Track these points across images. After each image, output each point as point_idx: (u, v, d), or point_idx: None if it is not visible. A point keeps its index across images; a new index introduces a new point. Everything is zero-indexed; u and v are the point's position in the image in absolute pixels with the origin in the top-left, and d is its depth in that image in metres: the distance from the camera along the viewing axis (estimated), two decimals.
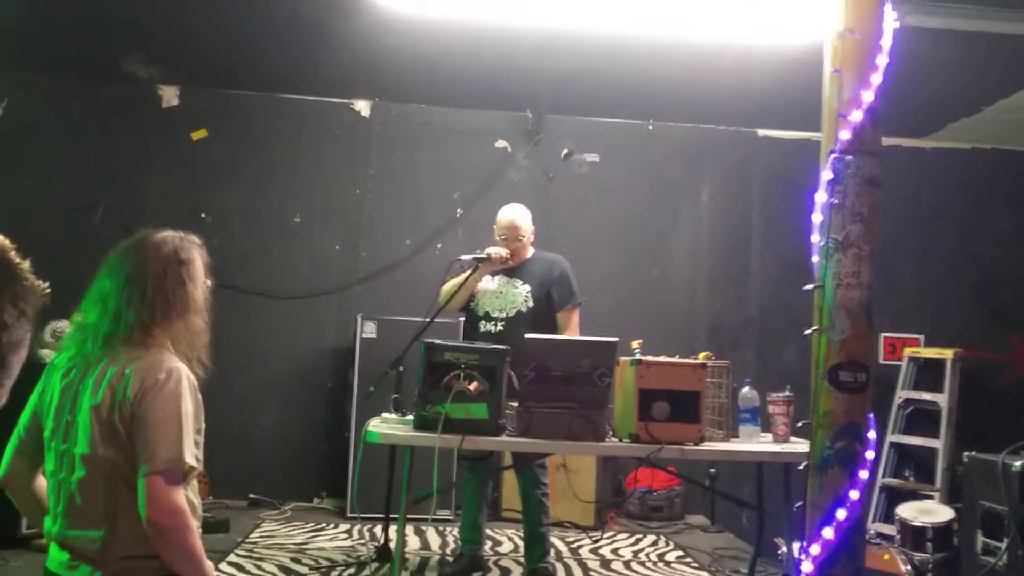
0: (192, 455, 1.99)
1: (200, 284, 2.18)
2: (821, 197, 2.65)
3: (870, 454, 2.52)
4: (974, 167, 6.73)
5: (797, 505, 2.78)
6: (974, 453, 3.93)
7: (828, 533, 2.48)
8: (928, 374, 6.22)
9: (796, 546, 3.85)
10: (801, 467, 2.65)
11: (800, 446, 3.59)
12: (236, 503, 5.75)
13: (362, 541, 5.11)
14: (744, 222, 6.67)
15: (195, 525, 2.00)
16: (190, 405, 2.02)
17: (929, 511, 4.55)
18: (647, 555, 5.11)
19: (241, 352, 5.83)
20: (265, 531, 5.24)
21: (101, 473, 1.98)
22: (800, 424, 2.75)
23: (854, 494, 2.46)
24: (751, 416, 3.76)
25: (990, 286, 6.66)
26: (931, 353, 6.25)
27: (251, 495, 5.84)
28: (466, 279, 4.31)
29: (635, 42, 5.02)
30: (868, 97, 2.60)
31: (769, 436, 3.77)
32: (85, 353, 2.08)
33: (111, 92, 6.16)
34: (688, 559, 5.07)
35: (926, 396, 6.10)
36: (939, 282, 6.64)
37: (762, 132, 6.66)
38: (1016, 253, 6.65)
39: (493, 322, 4.35)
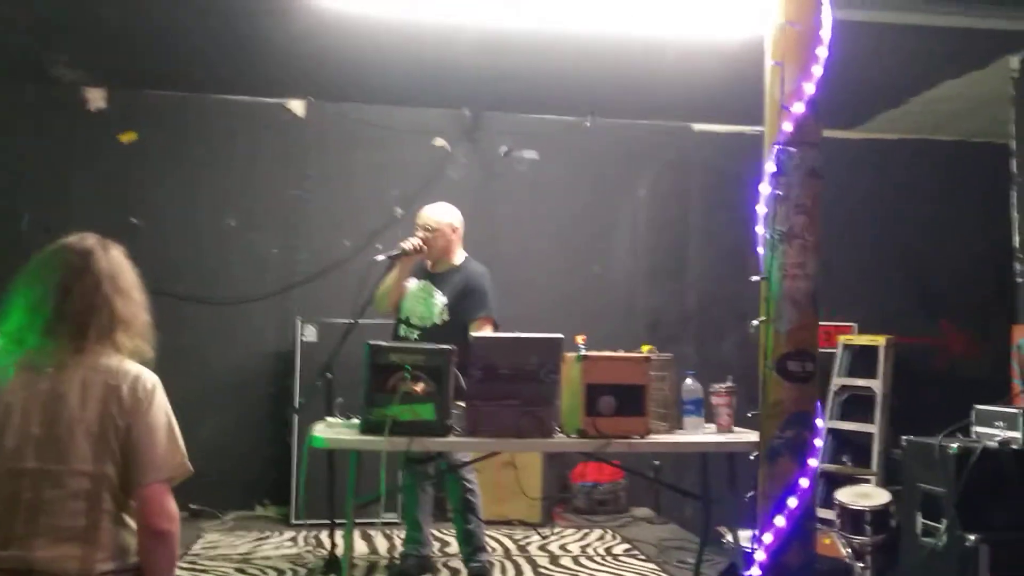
0: (187, 460, 2.09)
1: (133, 275, 2.17)
2: (765, 189, 2.68)
3: (819, 442, 2.55)
4: (902, 157, 6.90)
5: (748, 495, 2.81)
6: (911, 437, 4.02)
7: (780, 521, 2.51)
8: (862, 361, 6.36)
9: (742, 534, 3.92)
10: (752, 457, 2.67)
11: (744, 436, 3.64)
12: None
13: (308, 548, 5.04)
14: (682, 216, 6.75)
15: None
16: (171, 412, 2.10)
17: (866, 494, 4.64)
18: (595, 550, 5.14)
19: (178, 360, 5.59)
20: (208, 542, 5.13)
21: (84, 488, 1.95)
22: (750, 415, 2.78)
23: (804, 482, 2.50)
24: (695, 408, 3.79)
25: (919, 273, 6.84)
26: (865, 340, 6.39)
27: (192, 505, 5.71)
28: (384, 278, 4.33)
29: (572, 38, 5.01)
30: (810, 89, 2.64)
31: (713, 427, 3.81)
32: (34, 364, 2.01)
33: (35, 94, 5.97)
34: (635, 552, 5.11)
35: (860, 383, 6.24)
36: (871, 271, 6.79)
37: (697, 127, 6.74)
38: (943, 240, 6.84)
39: (412, 329, 4.35)
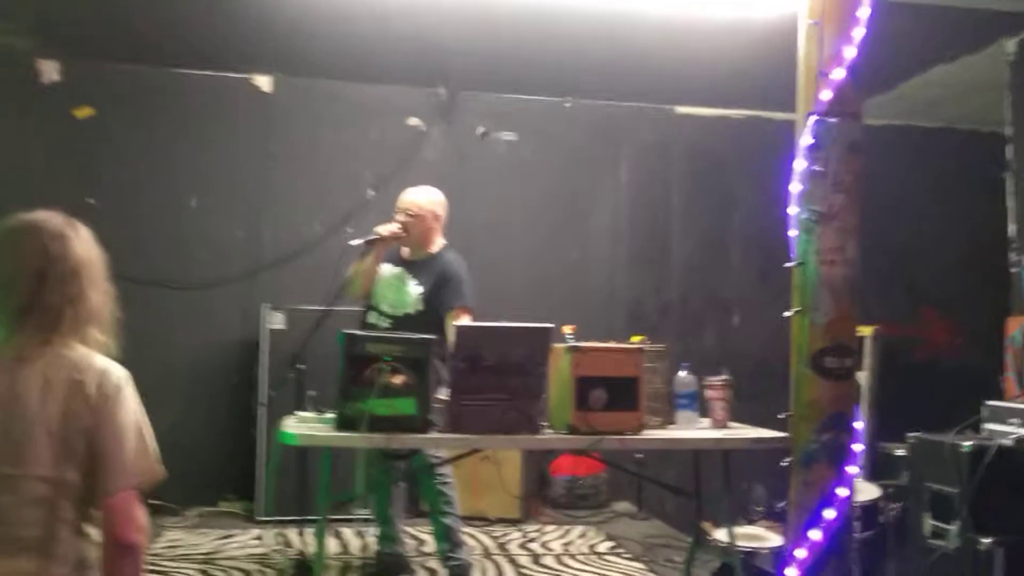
0: (158, 463, 1.89)
1: (95, 257, 1.96)
2: (800, 165, 2.45)
3: (858, 446, 2.35)
4: (887, 144, 6.73)
5: (780, 505, 2.60)
6: (920, 434, 3.85)
7: (815, 535, 2.30)
8: None
9: (724, 532, 3.73)
10: (785, 463, 2.46)
11: (740, 431, 3.46)
12: None
13: (276, 547, 4.78)
14: (663, 201, 6.56)
15: None
16: (142, 410, 1.91)
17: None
18: (578, 548, 4.94)
19: (136, 348, 5.34)
20: (169, 541, 4.86)
21: (41, 494, 1.77)
22: (781, 416, 2.56)
23: (842, 491, 2.29)
24: (689, 401, 3.60)
25: (903, 262, 6.71)
26: None
27: (151, 501, 5.41)
28: (359, 263, 4.13)
29: (551, 14, 4.79)
30: (850, 53, 2.40)
31: (707, 421, 3.62)
32: None
33: None
34: (620, 549, 4.93)
35: None
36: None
37: (680, 109, 6.54)
38: (927, 228, 6.72)
39: (383, 317, 4.13)
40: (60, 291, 1.86)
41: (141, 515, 1.85)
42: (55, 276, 1.87)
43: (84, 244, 1.95)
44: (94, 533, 1.86)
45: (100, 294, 1.95)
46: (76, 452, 1.80)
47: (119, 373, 1.89)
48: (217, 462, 5.72)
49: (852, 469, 2.34)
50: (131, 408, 1.88)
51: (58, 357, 1.83)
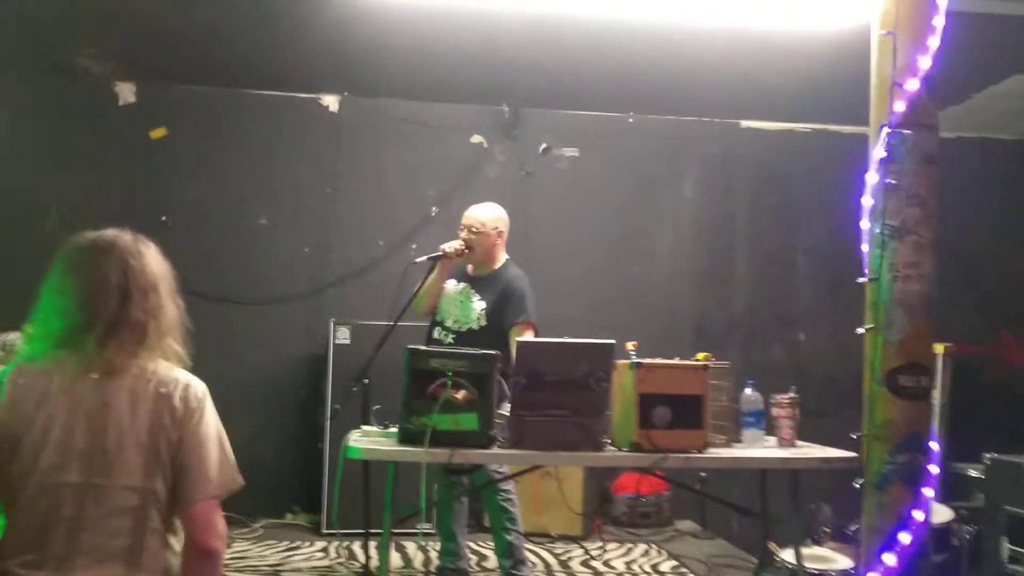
0: (238, 473, 1.96)
1: (166, 273, 2.04)
2: (872, 178, 2.39)
3: (934, 468, 2.28)
4: (960, 157, 6.56)
5: (853, 528, 2.54)
6: (995, 455, 3.74)
7: (890, 560, 2.24)
8: None
9: (791, 553, 3.66)
10: (858, 485, 2.40)
11: (808, 451, 3.40)
12: None
13: (340, 560, 4.83)
14: (728, 217, 6.49)
15: None
16: (220, 422, 1.98)
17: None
18: (640, 566, 4.89)
19: (206, 362, 5.49)
20: (236, 551, 4.94)
21: (130, 504, 1.81)
22: (854, 436, 2.50)
23: (918, 515, 2.22)
24: (755, 420, 3.54)
25: (978, 279, 6.52)
26: None
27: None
28: (424, 280, 4.16)
29: (616, 29, 4.79)
30: (925, 63, 2.35)
31: (773, 440, 3.56)
32: (81, 369, 1.85)
33: (63, 89, 5.81)
34: (683, 569, 4.85)
35: None
36: None
37: (745, 123, 6.47)
38: (1003, 245, 6.52)
39: (447, 332, 4.17)
40: (142, 306, 1.93)
41: (221, 523, 1.90)
42: (137, 291, 1.93)
43: (157, 259, 2.02)
44: (176, 543, 1.92)
45: (175, 307, 2.01)
46: (163, 463, 1.85)
47: (201, 386, 1.96)
48: (284, 475, 5.81)
49: (929, 492, 2.26)
50: (212, 420, 1.95)
51: (144, 371, 1.89)
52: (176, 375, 1.94)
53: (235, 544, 5.09)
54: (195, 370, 2.04)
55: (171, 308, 2.00)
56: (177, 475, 1.87)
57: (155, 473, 1.84)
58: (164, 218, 5.73)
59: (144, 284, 1.95)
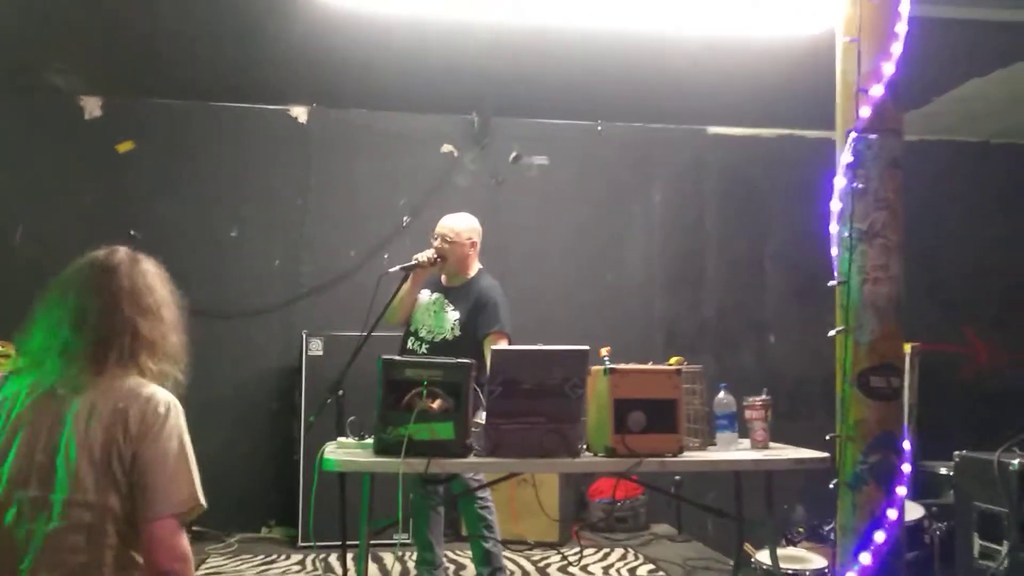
0: (202, 493, 1.86)
1: (166, 293, 2.04)
2: (840, 182, 2.43)
3: (907, 467, 2.32)
4: (923, 160, 6.66)
5: (828, 528, 2.58)
6: (965, 452, 3.79)
7: (865, 559, 2.26)
8: None
9: (766, 554, 3.69)
10: (832, 485, 2.43)
11: (781, 452, 3.44)
12: None
13: (317, 572, 4.81)
14: (697, 222, 6.55)
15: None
16: (188, 439, 1.90)
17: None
18: (617, 571, 4.91)
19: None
20: (211, 567, 4.90)
21: (87, 520, 1.78)
22: (828, 438, 2.53)
23: (892, 513, 2.26)
24: (728, 422, 3.58)
25: (943, 280, 6.61)
26: None
27: (194, 528, 5.48)
28: (397, 290, 4.17)
29: (583, 38, 4.82)
30: (889, 69, 2.39)
31: (747, 442, 3.59)
32: (48, 386, 1.86)
33: (28, 104, 5.76)
34: (660, 572, 4.88)
35: None
36: None
37: (712, 129, 6.54)
38: (967, 245, 6.62)
39: (420, 342, 4.18)
40: (104, 323, 1.91)
41: (181, 544, 1.83)
42: (98, 309, 1.92)
43: (136, 276, 2.00)
44: (142, 561, 1.87)
45: (155, 324, 1.98)
46: (117, 479, 1.81)
47: (166, 401, 1.90)
48: (259, 488, 5.78)
49: (902, 490, 2.30)
50: (174, 436, 1.87)
51: (111, 387, 1.87)
52: (141, 390, 1.89)
53: (210, 559, 5.05)
54: (167, 384, 2.02)
55: (149, 327, 1.97)
56: (134, 492, 1.83)
57: (108, 489, 1.80)
58: (133, 232, 5.66)
59: (111, 303, 1.93)
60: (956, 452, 3.87)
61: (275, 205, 6.08)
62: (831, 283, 2.52)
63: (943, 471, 4.65)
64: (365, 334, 3.90)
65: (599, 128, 6.40)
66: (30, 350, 1.93)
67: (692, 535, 5.76)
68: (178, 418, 1.90)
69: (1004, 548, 3.36)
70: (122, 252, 2.04)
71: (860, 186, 2.36)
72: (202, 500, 1.87)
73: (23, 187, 5.74)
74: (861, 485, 2.33)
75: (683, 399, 3.37)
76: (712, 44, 4.85)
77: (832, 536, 2.72)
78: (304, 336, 5.45)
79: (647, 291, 6.44)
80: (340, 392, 3.82)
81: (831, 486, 2.48)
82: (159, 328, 1.99)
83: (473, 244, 4.28)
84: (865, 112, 2.43)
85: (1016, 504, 3.31)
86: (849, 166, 2.43)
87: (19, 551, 1.78)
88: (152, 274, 2.05)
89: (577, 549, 5.34)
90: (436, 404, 3.14)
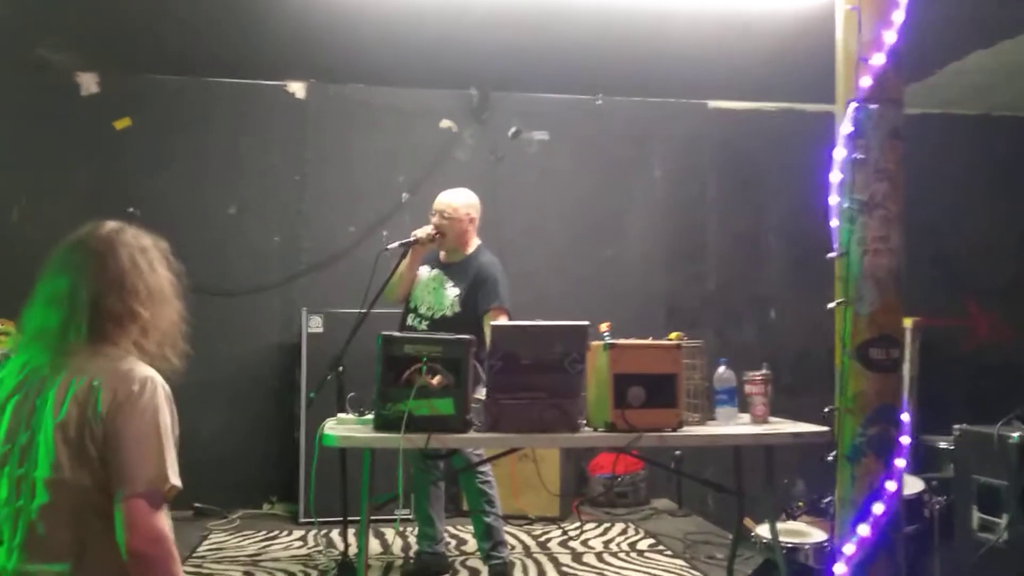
0: (176, 474, 1.81)
1: (164, 272, 2.01)
2: (840, 153, 2.40)
3: (905, 439, 2.31)
4: (924, 133, 6.62)
5: (826, 500, 2.58)
6: (965, 426, 3.79)
7: (864, 530, 2.26)
8: None
9: (766, 528, 3.70)
10: (830, 458, 2.43)
11: (781, 426, 3.44)
12: (180, 514, 5.34)
13: (318, 548, 4.83)
14: (698, 197, 6.52)
15: (176, 552, 1.81)
16: (167, 418, 1.83)
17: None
18: (618, 545, 4.93)
19: None
20: (213, 543, 4.93)
21: (67, 499, 1.77)
22: (827, 410, 2.53)
23: (891, 485, 2.25)
24: (728, 397, 3.58)
25: (944, 254, 6.60)
26: None
27: (196, 504, 5.50)
28: (396, 267, 4.16)
29: (582, 11, 4.79)
30: (890, 38, 2.35)
31: (747, 417, 3.60)
32: (38, 364, 1.85)
33: (23, 81, 5.72)
34: (660, 547, 4.91)
35: None
36: None
37: (712, 103, 6.50)
38: (967, 219, 6.60)
39: (420, 319, 4.18)
40: (97, 302, 1.88)
41: (155, 525, 1.77)
42: (91, 288, 1.89)
43: (133, 256, 1.96)
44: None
45: (150, 303, 1.94)
46: (91, 457, 1.78)
47: (142, 378, 1.83)
48: (260, 465, 5.80)
49: (900, 462, 2.29)
50: (147, 413, 1.80)
51: (90, 365, 1.84)
52: (120, 366, 1.84)
53: (212, 535, 5.07)
54: (163, 364, 1.98)
55: (144, 306, 1.93)
56: (109, 471, 1.78)
57: (83, 468, 1.77)
58: (131, 209, 5.66)
59: (106, 281, 1.90)
60: (956, 426, 3.87)
61: (273, 182, 6.06)
62: (830, 255, 2.50)
63: (943, 445, 4.65)
64: (364, 311, 3.90)
65: (599, 102, 6.36)
66: (27, 329, 1.93)
67: (692, 510, 5.78)
68: (154, 396, 1.82)
69: (1003, 521, 3.37)
70: (116, 227, 1.99)
71: (860, 156, 2.33)
72: (174, 480, 1.80)
73: (20, 164, 5.72)
74: (860, 457, 2.32)
75: (683, 374, 3.37)
76: (711, 17, 4.81)
77: (831, 510, 2.72)
78: (304, 313, 5.45)
79: (647, 266, 6.42)
80: (340, 369, 3.83)
81: (829, 458, 2.47)
82: (153, 306, 1.95)
83: (472, 220, 4.27)
84: (866, 82, 2.39)
85: (1016, 477, 3.31)
86: (849, 136, 2.40)
87: (12, 527, 1.80)
88: (149, 250, 2.01)
89: (578, 524, 5.36)
90: (436, 380, 3.14)
